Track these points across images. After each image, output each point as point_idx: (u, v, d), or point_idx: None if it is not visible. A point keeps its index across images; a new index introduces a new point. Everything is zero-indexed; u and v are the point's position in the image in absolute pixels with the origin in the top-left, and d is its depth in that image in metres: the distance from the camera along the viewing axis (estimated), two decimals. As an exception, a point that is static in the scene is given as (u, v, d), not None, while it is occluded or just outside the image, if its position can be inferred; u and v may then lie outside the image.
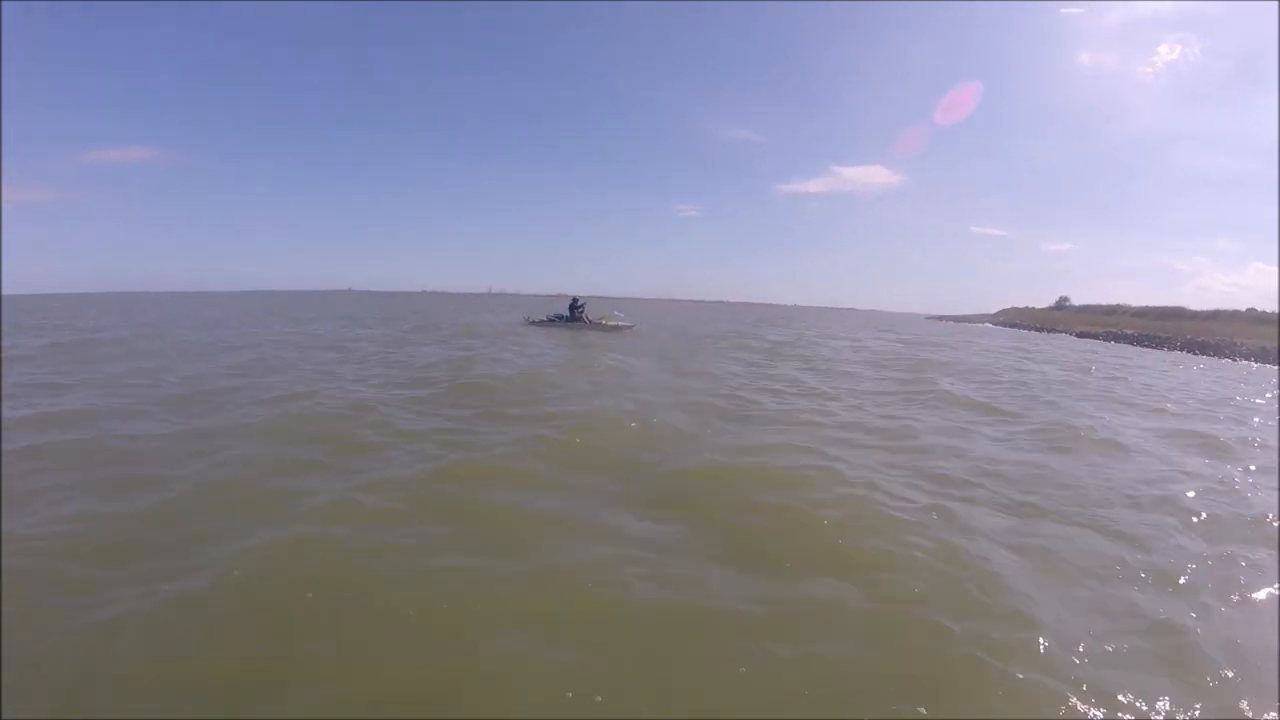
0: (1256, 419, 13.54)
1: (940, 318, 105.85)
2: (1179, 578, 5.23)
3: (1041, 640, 4.09)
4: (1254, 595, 5.03)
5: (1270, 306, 55.95)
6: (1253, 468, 9.05)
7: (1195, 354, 36.47)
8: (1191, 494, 7.51)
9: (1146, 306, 66.15)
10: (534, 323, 31.16)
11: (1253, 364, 31.35)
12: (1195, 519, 6.69)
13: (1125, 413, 13.29)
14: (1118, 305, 71.43)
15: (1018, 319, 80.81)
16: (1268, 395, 18.49)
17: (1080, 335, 54.91)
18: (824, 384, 15.36)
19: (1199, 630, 4.41)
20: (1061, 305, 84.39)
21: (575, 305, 31.03)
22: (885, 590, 4.64)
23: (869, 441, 9.31)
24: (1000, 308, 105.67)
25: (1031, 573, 5.14)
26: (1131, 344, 44.58)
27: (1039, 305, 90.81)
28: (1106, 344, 44.82)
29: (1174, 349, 39.60)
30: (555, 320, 30.80)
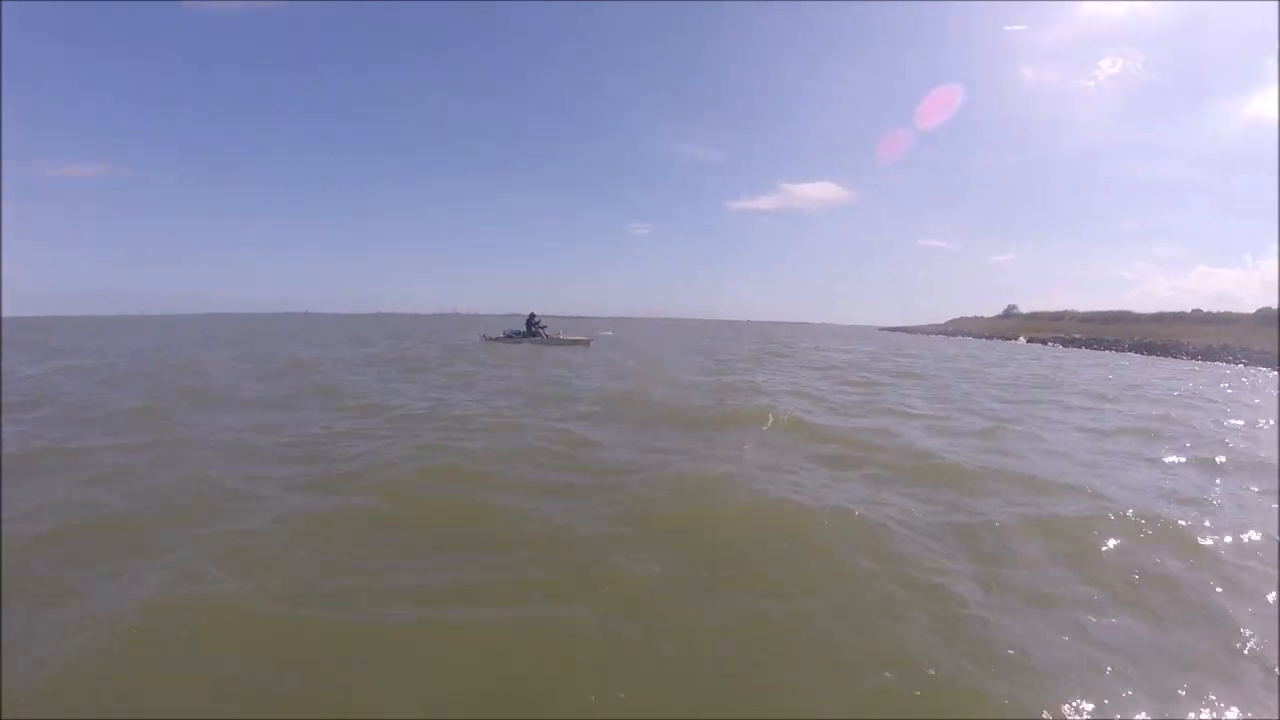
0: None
1: (893, 329, 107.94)
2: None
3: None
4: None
5: (1213, 307, 58.00)
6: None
7: (1145, 354, 37.48)
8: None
9: (1093, 311, 68.16)
10: (491, 339, 30.52)
11: (1198, 362, 32.43)
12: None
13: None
14: (1064, 311, 73.45)
15: (967, 328, 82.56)
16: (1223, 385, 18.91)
17: (1030, 341, 56.17)
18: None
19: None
20: (1009, 313, 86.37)
21: (532, 321, 30.74)
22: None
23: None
24: (949, 318, 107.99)
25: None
26: (1080, 347, 45.72)
27: (987, 314, 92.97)
28: (1057, 348, 45.79)
29: (1122, 350, 40.76)
30: (513, 336, 30.33)
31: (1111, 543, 5.26)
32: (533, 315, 31.20)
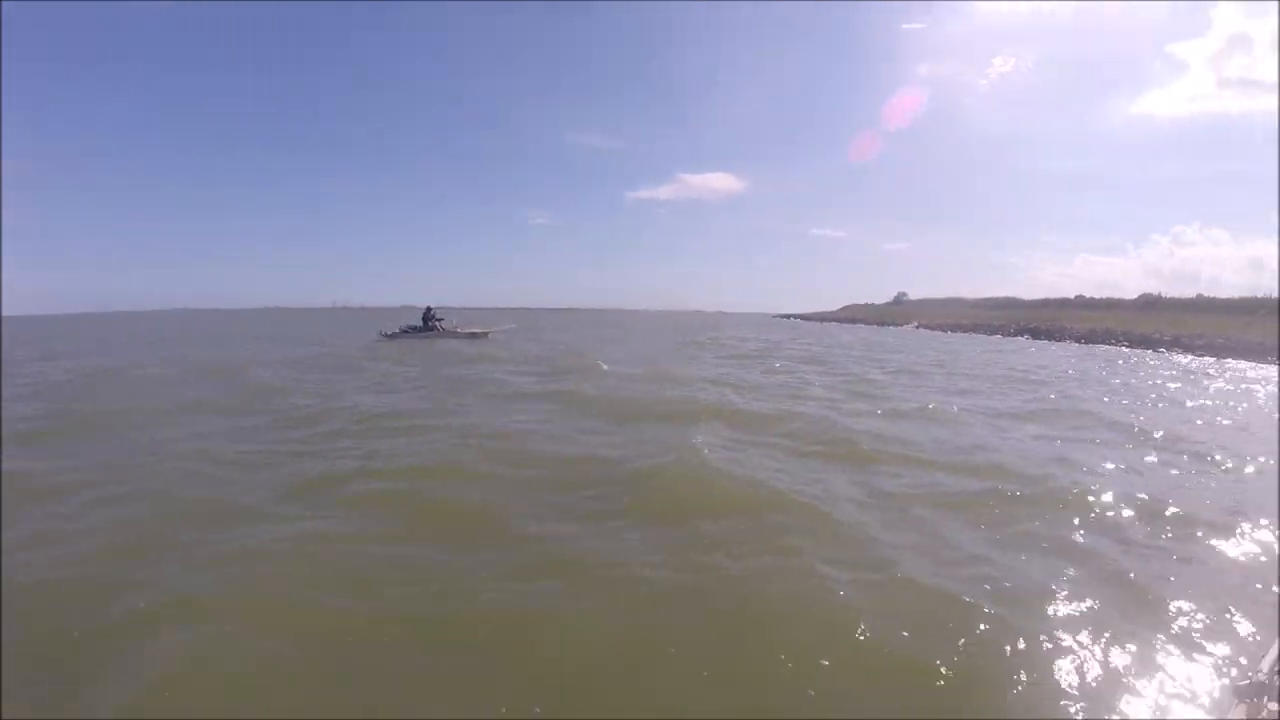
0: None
1: (787, 316, 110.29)
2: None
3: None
4: None
5: (1096, 293, 62.21)
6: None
7: (1031, 338, 39.37)
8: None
9: (981, 298, 71.63)
10: (388, 336, 28.35)
11: (1082, 345, 34.26)
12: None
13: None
14: (954, 297, 76.83)
15: (859, 315, 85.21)
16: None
17: (919, 327, 58.11)
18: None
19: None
20: (900, 300, 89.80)
21: (430, 315, 29.27)
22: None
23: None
24: (842, 305, 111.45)
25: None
26: (968, 332, 47.65)
27: (879, 301, 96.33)
28: (947, 334, 47.57)
29: (1009, 335, 42.71)
30: (409, 331, 28.40)
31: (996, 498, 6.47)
32: (429, 309, 29.81)
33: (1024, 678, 3.45)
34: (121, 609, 3.99)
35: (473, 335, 29.38)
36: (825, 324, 73.55)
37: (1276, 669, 2.31)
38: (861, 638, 3.76)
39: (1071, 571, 4.77)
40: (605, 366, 17.09)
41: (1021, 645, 3.72)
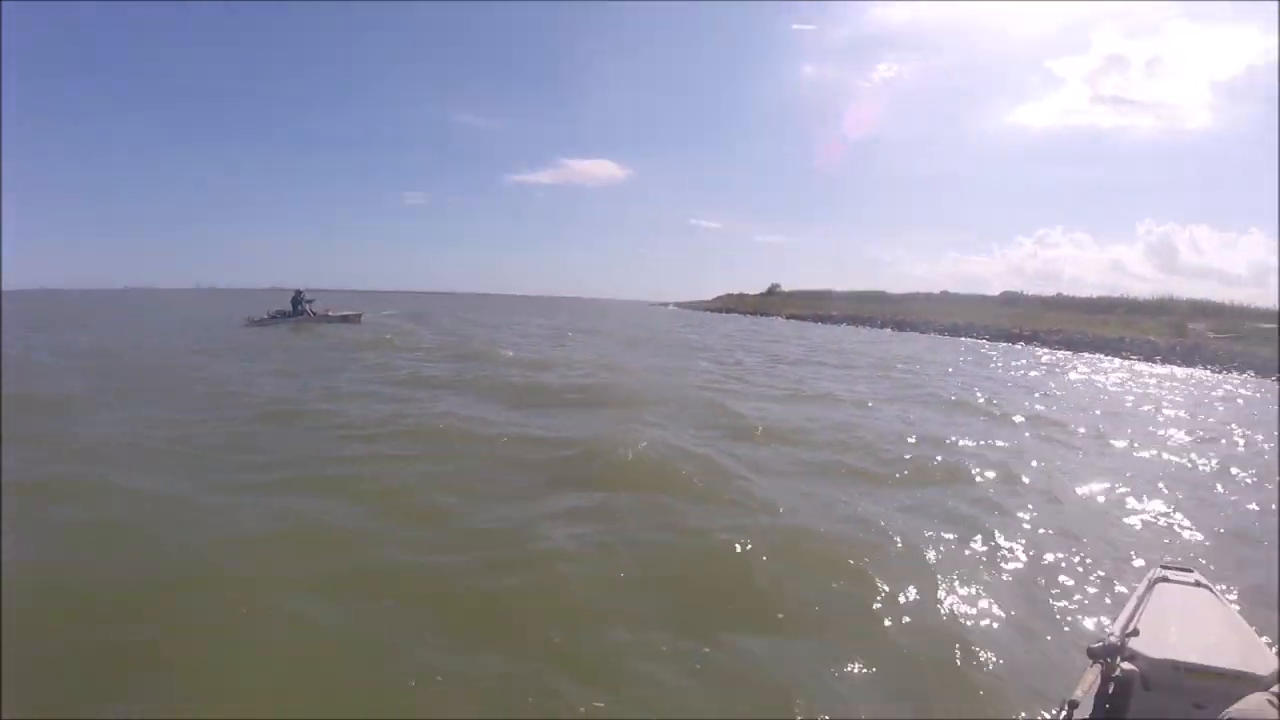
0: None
1: (665, 304, 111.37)
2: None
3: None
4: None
5: (962, 289, 67.07)
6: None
7: (897, 330, 41.74)
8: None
9: (851, 291, 74.53)
10: (256, 322, 25.95)
11: (946, 336, 36.91)
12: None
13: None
14: (825, 290, 79.46)
15: (733, 305, 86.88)
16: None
17: (789, 318, 59.84)
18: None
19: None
20: (773, 291, 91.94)
21: (299, 299, 27.30)
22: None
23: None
24: (717, 294, 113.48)
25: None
26: (838, 324, 49.78)
27: (752, 292, 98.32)
28: (817, 325, 49.58)
29: (876, 326, 45.05)
30: (278, 317, 26.26)
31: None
32: (299, 292, 27.80)
33: (888, 625, 3.91)
34: None
35: (345, 319, 28.32)
36: (700, 313, 75.00)
37: (1127, 630, 2.43)
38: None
39: (945, 534, 5.32)
40: (510, 353, 17.32)
41: (881, 595, 4.21)
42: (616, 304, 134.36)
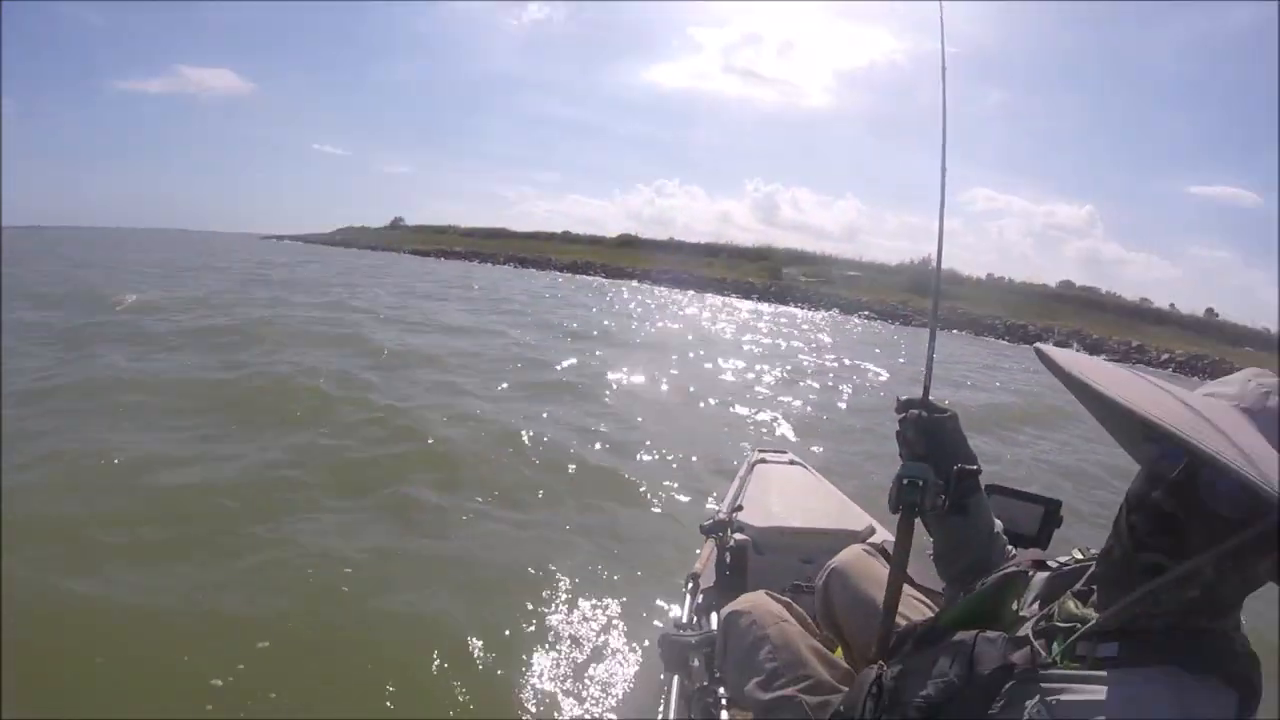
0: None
1: (279, 238, 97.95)
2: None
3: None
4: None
5: (582, 230, 69.04)
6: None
7: (519, 267, 41.51)
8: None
9: (475, 227, 72.56)
10: None
11: (566, 274, 38.00)
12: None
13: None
14: (449, 226, 76.60)
15: (355, 239, 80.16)
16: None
17: (414, 253, 56.44)
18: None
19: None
20: (397, 225, 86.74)
21: None
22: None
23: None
24: (337, 227, 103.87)
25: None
26: (461, 260, 47.86)
27: (375, 225, 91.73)
28: (440, 260, 46.87)
29: (499, 263, 44.10)
30: None
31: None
32: None
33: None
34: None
35: None
36: (316, 246, 68.02)
37: (734, 507, 2.59)
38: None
39: (584, 444, 5.46)
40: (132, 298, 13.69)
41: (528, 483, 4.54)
42: (227, 237, 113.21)
